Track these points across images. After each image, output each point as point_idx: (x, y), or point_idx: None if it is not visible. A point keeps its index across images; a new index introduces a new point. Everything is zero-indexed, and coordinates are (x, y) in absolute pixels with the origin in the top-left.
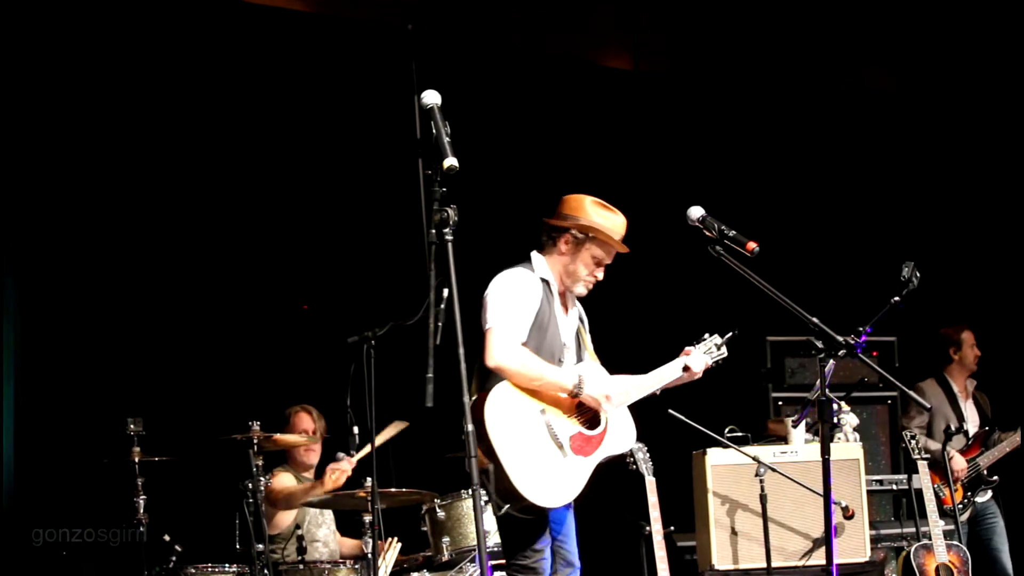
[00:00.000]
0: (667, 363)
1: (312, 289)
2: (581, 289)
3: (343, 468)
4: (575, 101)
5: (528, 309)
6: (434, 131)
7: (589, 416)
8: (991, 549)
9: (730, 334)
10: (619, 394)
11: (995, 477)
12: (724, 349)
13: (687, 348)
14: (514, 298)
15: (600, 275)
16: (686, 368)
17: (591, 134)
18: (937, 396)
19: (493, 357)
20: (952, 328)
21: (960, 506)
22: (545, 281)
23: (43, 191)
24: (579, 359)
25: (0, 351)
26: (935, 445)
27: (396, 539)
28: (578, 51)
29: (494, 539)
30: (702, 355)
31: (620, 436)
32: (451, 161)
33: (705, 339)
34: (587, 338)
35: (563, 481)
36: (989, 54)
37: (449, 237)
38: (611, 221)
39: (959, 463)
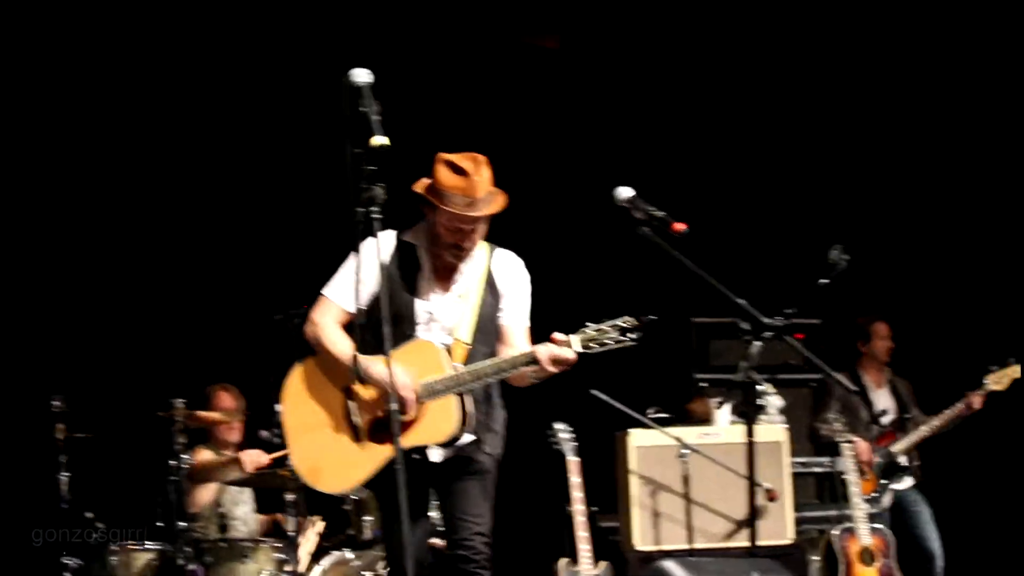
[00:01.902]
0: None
1: (236, 265)
2: (449, 257)
3: (261, 462)
4: (501, 79)
5: (365, 276)
6: (363, 109)
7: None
8: (917, 537)
9: (637, 321)
10: (411, 384)
11: (914, 463)
12: (633, 335)
13: (555, 335)
14: (350, 266)
15: (465, 242)
16: (535, 360)
17: (519, 113)
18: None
19: (304, 328)
20: (863, 319)
21: (875, 494)
22: (411, 245)
23: None
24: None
25: None
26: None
27: (319, 518)
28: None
29: None
30: (559, 348)
31: (433, 426)
32: (380, 139)
33: (588, 326)
34: (493, 316)
35: (344, 466)
36: None
37: (377, 215)
38: (452, 181)
39: (860, 448)
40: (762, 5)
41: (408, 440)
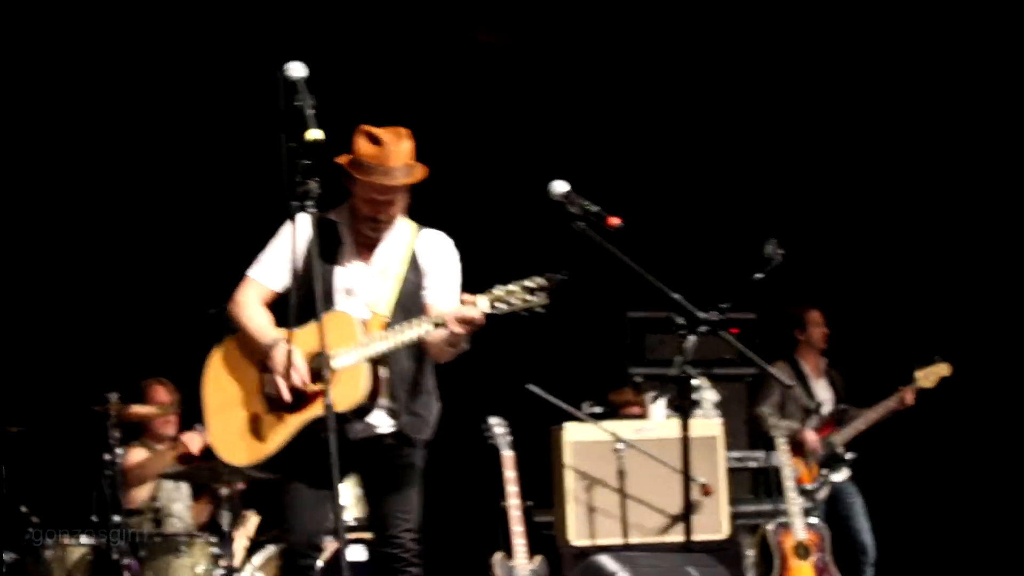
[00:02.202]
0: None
1: (172, 259)
2: (367, 231)
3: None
4: (444, 72)
5: (288, 255)
6: (298, 103)
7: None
8: (850, 529)
9: (545, 281)
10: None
11: (851, 454)
12: (540, 296)
13: (464, 295)
14: (273, 245)
15: (381, 214)
16: (442, 323)
17: (456, 105)
18: (787, 378)
19: (228, 307)
20: (797, 308)
21: (815, 485)
22: (333, 222)
23: None
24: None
25: None
26: (793, 425)
27: (254, 512)
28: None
29: (352, 513)
30: (464, 307)
31: (342, 393)
32: (315, 133)
33: (496, 287)
34: (415, 293)
35: (259, 437)
36: None
37: (312, 209)
38: (368, 150)
39: (808, 438)
40: (698, 2)
41: (316, 409)
